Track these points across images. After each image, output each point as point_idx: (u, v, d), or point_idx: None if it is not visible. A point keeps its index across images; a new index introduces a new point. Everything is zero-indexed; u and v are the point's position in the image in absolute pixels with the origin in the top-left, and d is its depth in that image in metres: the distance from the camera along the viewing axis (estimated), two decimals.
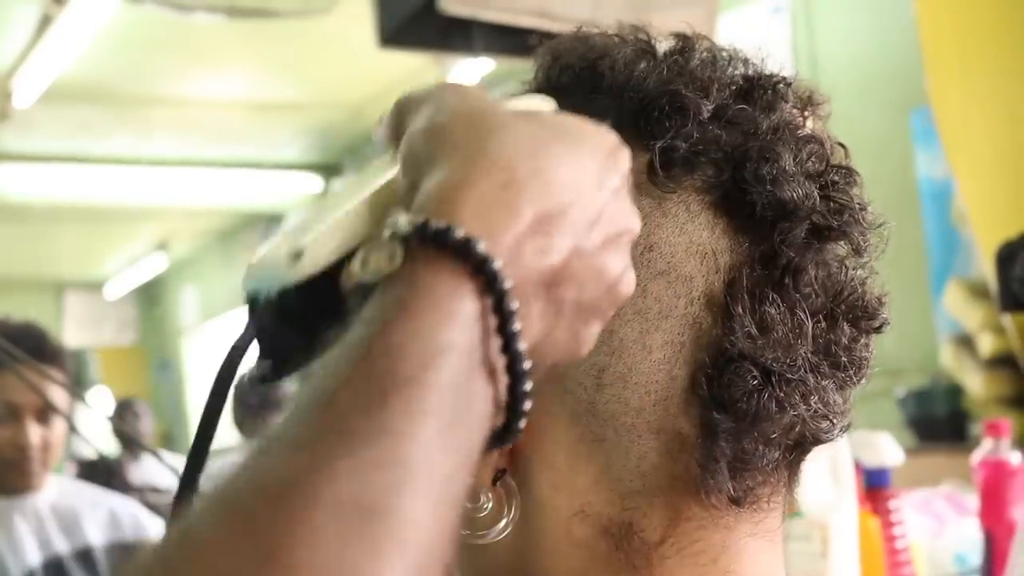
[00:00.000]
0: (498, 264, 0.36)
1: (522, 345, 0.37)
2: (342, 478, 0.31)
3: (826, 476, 1.21)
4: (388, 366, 0.34)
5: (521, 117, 0.41)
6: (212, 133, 5.70)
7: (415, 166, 0.40)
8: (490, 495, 0.47)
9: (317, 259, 0.40)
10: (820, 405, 0.47)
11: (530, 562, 0.47)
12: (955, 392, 2.77)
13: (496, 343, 0.36)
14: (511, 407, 0.37)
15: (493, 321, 0.36)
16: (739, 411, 0.45)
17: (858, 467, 1.30)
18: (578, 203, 0.39)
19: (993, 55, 2.71)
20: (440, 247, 0.36)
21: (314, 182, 6.46)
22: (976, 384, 2.70)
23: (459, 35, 1.53)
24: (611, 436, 0.46)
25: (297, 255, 0.39)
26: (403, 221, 0.36)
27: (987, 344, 2.67)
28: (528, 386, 0.37)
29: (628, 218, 0.42)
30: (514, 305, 0.36)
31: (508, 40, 1.53)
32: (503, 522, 0.47)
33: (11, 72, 4.50)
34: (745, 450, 0.46)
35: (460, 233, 0.36)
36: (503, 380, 0.37)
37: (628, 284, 0.42)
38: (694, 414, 0.46)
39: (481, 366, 0.36)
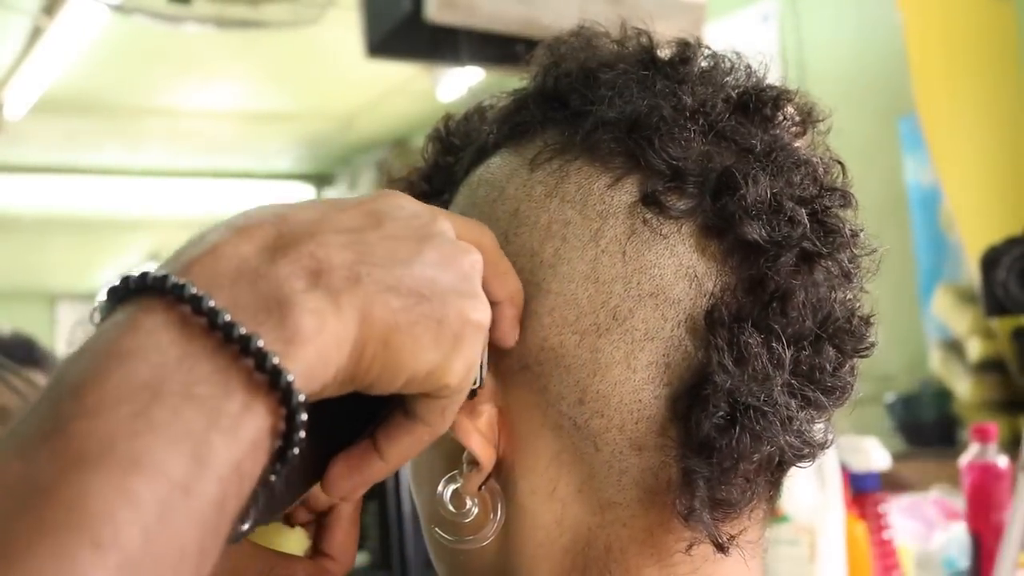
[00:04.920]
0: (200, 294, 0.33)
1: (276, 359, 0.33)
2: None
3: (813, 481, 1.21)
4: (120, 374, 0.31)
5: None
6: (203, 144, 5.70)
7: None
8: (475, 500, 0.47)
9: None
10: (799, 433, 0.46)
11: (513, 564, 0.48)
12: (944, 397, 2.77)
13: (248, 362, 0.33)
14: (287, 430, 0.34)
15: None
16: (715, 451, 0.44)
17: (845, 472, 1.30)
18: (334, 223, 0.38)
19: (978, 62, 2.73)
20: (157, 291, 0.34)
21: (306, 192, 6.46)
22: (965, 389, 2.71)
23: (446, 44, 1.54)
24: (594, 450, 0.46)
25: None
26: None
27: (975, 349, 2.68)
28: (298, 401, 0.33)
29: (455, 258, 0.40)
30: (225, 318, 0.33)
31: (495, 49, 1.53)
32: (488, 527, 0.47)
33: (2, 83, 4.50)
34: (725, 490, 0.45)
35: (176, 279, 0.34)
36: (270, 399, 0.33)
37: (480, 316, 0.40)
38: (673, 446, 0.45)
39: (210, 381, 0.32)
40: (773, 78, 0.51)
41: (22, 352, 1.66)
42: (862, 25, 3.15)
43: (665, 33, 0.52)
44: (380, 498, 1.30)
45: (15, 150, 5.51)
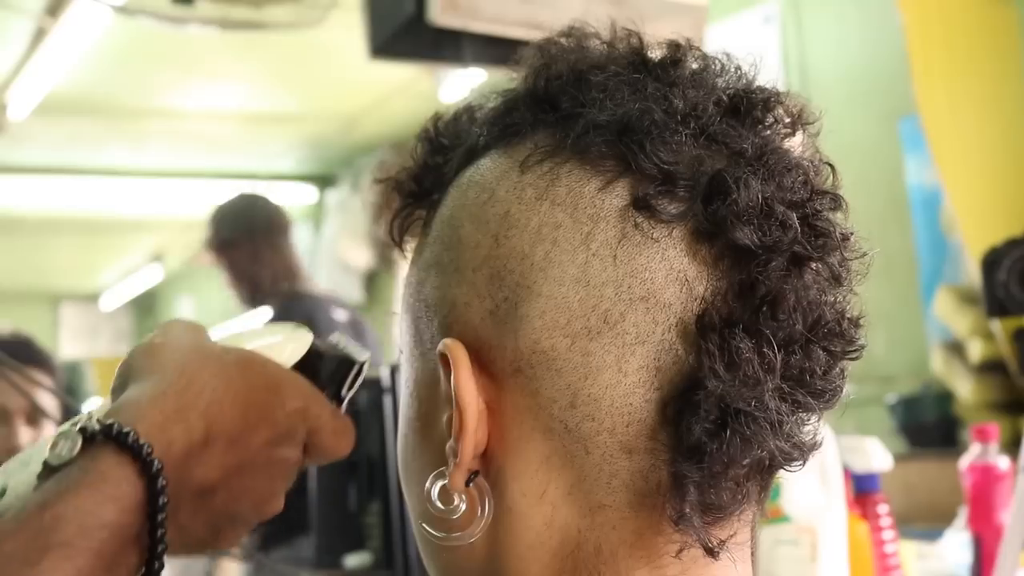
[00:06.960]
0: (159, 465, 0.45)
1: (164, 533, 0.46)
2: None
3: (815, 481, 1.21)
4: (51, 530, 0.43)
5: (226, 359, 0.51)
6: (206, 144, 5.70)
7: (127, 374, 0.51)
8: (463, 497, 0.48)
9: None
10: (789, 437, 0.47)
11: (502, 566, 0.48)
12: (946, 398, 2.77)
13: (146, 527, 0.45)
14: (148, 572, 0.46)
15: (147, 510, 0.45)
16: (705, 455, 0.45)
17: (847, 472, 1.30)
18: (248, 434, 0.50)
19: (979, 63, 2.74)
20: (120, 445, 0.45)
21: (309, 193, 6.46)
22: (966, 390, 2.71)
23: (449, 46, 1.54)
24: (584, 453, 0.46)
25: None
26: (95, 419, 0.46)
27: (977, 350, 2.68)
28: (162, 563, 0.46)
29: (293, 454, 0.53)
30: (163, 501, 0.45)
31: (498, 51, 1.53)
32: (476, 524, 0.48)
33: (6, 84, 4.50)
34: (715, 495, 0.46)
35: (139, 438, 0.45)
36: (145, 554, 0.46)
37: (275, 507, 0.53)
38: (663, 450, 0.46)
39: (130, 541, 0.45)
40: (766, 79, 0.51)
41: (24, 352, 1.67)
42: (863, 26, 3.15)
43: (666, 35, 0.52)
44: (383, 499, 1.30)
45: (18, 151, 5.51)
